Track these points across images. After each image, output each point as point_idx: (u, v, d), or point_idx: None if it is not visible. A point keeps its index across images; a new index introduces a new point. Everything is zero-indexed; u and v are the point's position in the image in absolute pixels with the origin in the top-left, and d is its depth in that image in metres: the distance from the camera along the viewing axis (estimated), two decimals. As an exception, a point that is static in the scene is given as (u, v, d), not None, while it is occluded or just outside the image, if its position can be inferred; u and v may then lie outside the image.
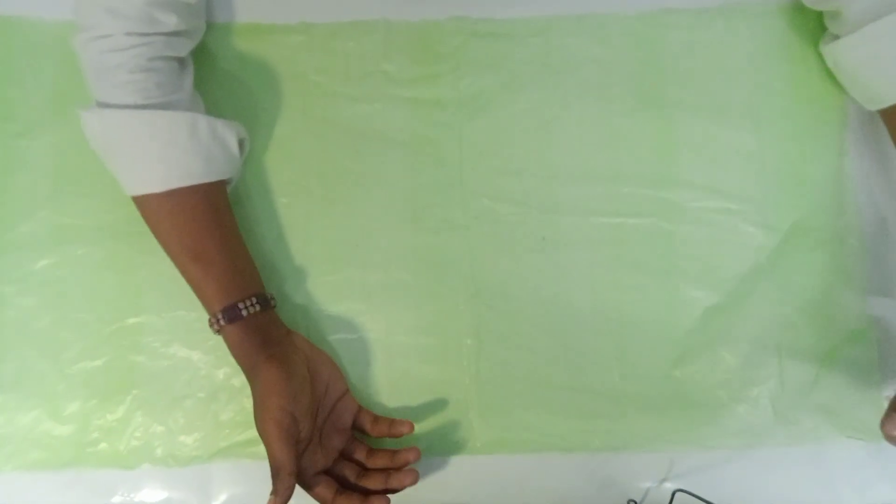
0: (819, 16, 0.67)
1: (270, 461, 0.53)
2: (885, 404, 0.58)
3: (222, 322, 0.58)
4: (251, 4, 0.69)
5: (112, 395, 0.62)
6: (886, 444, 0.60)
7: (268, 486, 0.60)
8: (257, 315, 0.59)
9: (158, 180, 0.57)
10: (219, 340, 0.62)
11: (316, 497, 0.56)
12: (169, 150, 0.57)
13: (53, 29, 0.67)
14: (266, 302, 0.60)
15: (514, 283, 0.64)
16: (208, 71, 0.67)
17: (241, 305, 0.58)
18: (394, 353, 0.63)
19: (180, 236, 0.58)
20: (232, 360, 0.62)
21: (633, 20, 0.69)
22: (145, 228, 0.64)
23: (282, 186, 0.66)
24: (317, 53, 0.68)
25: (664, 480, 0.62)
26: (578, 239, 0.65)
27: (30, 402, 0.62)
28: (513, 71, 0.68)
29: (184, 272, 0.59)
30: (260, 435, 0.55)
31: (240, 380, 0.62)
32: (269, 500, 0.52)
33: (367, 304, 0.64)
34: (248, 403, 0.62)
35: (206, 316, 0.63)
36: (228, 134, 0.60)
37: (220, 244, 0.59)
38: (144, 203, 0.58)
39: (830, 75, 0.67)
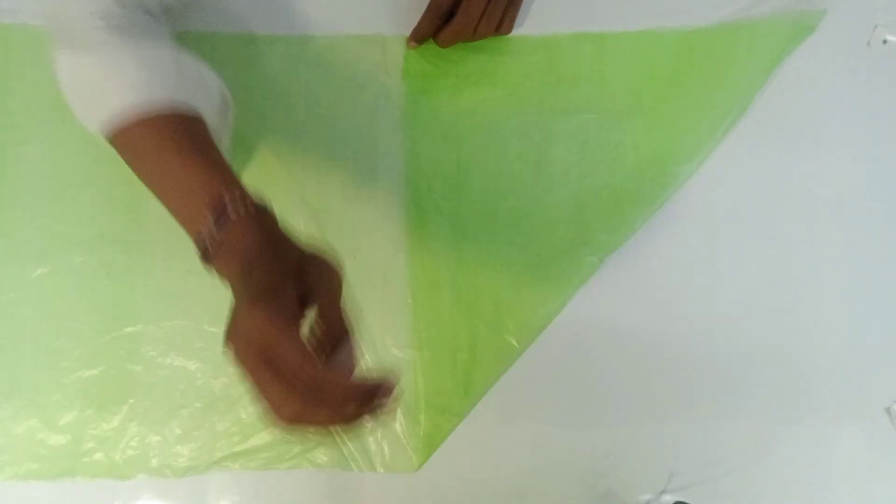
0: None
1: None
2: None
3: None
4: (250, 16, 0.69)
5: (108, 404, 0.61)
6: (891, 456, 0.62)
7: (263, 498, 0.61)
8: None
9: (139, 91, 0.52)
10: (216, 351, 0.62)
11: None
12: (153, 72, 0.53)
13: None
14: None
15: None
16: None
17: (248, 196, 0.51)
18: (387, 367, 0.63)
19: (175, 143, 0.52)
20: (229, 370, 0.62)
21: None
22: (144, 237, 0.64)
23: (278, 197, 0.65)
24: (315, 66, 0.69)
25: (663, 492, 0.61)
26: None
27: (25, 412, 0.61)
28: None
29: (179, 172, 0.52)
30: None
31: (237, 390, 0.62)
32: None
33: (361, 317, 0.64)
34: (245, 414, 0.62)
35: (202, 325, 0.63)
36: (211, 79, 0.58)
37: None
38: (126, 136, 0.53)
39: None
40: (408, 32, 0.69)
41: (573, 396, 0.63)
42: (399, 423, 0.62)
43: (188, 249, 0.63)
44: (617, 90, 0.69)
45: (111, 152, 0.65)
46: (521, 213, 0.66)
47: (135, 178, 0.64)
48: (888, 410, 0.63)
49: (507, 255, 0.65)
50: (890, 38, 0.69)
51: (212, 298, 0.63)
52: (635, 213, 0.66)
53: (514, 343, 0.63)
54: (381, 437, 0.61)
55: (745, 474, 0.62)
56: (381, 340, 0.63)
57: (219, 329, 0.63)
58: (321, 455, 0.61)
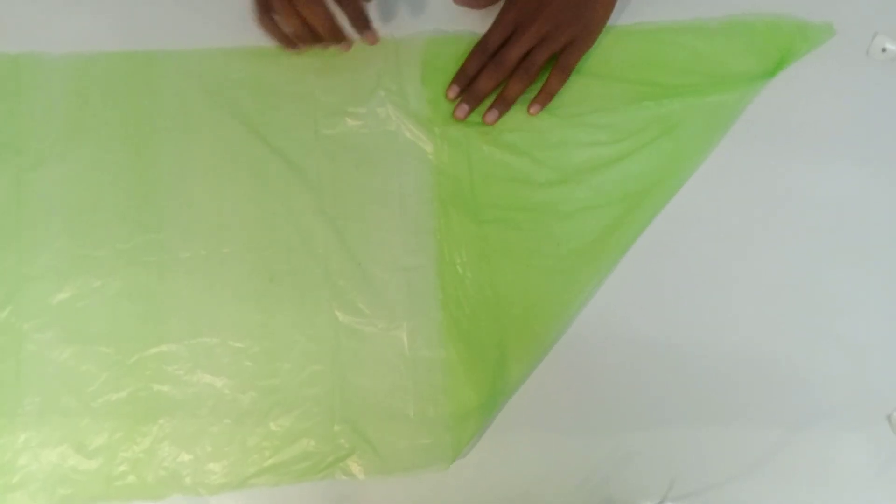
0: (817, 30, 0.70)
1: None
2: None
3: None
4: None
5: (138, 425, 0.61)
6: (892, 464, 0.63)
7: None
8: None
9: None
10: (243, 366, 0.62)
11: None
12: None
13: (62, 63, 0.66)
14: None
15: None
16: (220, 95, 0.66)
17: None
18: (417, 367, 0.63)
19: None
20: (259, 384, 0.62)
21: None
22: (163, 257, 0.64)
23: (296, 206, 0.66)
24: (326, 73, 0.68)
25: (664, 500, 0.62)
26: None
27: (55, 438, 0.60)
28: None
29: None
30: None
31: (266, 403, 0.62)
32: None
33: (390, 319, 0.65)
34: (275, 427, 0.62)
35: (228, 341, 0.63)
36: None
37: None
38: None
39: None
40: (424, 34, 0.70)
41: (574, 402, 0.64)
42: (428, 422, 0.63)
43: (209, 266, 0.63)
44: (624, 87, 0.70)
45: (127, 172, 0.65)
46: (544, 211, 0.67)
47: (152, 196, 0.64)
48: (889, 418, 0.63)
49: (530, 252, 0.66)
50: (889, 46, 0.69)
51: (236, 314, 0.63)
52: (640, 214, 0.67)
53: (542, 341, 0.64)
54: (412, 438, 0.62)
55: (747, 482, 0.63)
56: (411, 341, 0.64)
57: (244, 345, 0.63)
58: (353, 463, 0.62)
